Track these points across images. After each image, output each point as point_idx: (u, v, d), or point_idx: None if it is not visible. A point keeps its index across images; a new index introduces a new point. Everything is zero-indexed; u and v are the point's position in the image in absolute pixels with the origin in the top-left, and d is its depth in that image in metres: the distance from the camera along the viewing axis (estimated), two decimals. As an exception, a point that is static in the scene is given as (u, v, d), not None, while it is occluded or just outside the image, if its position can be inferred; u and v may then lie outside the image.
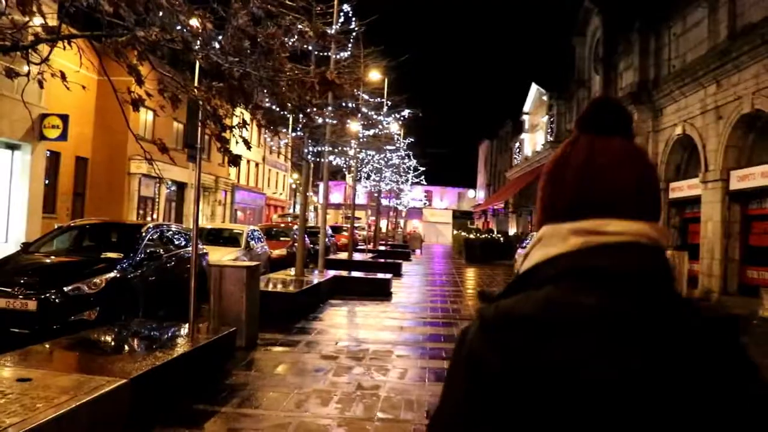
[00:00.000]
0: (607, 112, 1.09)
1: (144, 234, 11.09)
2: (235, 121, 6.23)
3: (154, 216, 34.19)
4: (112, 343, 7.46)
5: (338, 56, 16.23)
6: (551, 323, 0.93)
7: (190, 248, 13.61)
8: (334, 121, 15.44)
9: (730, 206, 16.95)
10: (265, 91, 5.71)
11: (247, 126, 6.02)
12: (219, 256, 15.40)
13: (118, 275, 9.68)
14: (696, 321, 0.97)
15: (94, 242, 11.45)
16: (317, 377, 7.84)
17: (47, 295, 8.72)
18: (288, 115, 6.78)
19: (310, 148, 15.87)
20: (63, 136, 24.31)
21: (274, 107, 6.43)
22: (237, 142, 6.43)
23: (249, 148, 6.44)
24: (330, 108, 14.86)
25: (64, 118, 24.09)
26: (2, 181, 22.33)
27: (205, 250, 14.00)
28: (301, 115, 6.02)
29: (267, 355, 8.96)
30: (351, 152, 22.23)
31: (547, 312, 0.94)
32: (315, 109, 6.05)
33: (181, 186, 37.02)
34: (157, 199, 34.79)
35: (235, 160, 5.82)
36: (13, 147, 22.74)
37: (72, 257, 10.28)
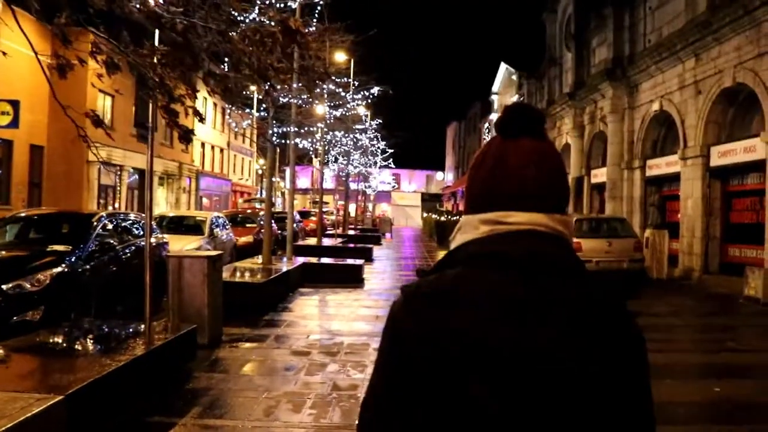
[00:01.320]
0: (519, 117, 1.25)
1: (95, 224, 10.15)
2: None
3: (116, 205, 32.97)
4: (53, 350, 6.60)
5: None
6: (456, 296, 1.12)
7: (151, 238, 12.80)
8: (300, 100, 14.59)
9: (710, 183, 16.51)
10: (219, 51, 4.88)
11: (196, 94, 5.18)
12: (181, 245, 14.51)
13: (65, 270, 8.77)
14: (577, 293, 1.13)
15: (40, 234, 10.49)
16: (288, 377, 7.08)
17: (-17, 294, 7.81)
18: (245, 83, 5.92)
19: (275, 130, 15.01)
20: (14, 123, 23.06)
21: (229, 73, 5.55)
22: (187, 115, 5.58)
23: (202, 120, 5.63)
24: (295, 86, 14.02)
25: (15, 103, 22.85)
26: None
27: (165, 240, 13.10)
28: (263, 83, 5.20)
29: (232, 353, 8.17)
30: (318, 135, 21.40)
31: (454, 287, 1.14)
32: (279, 75, 5.23)
33: (143, 174, 35.68)
34: (118, 188, 33.53)
35: (186, 136, 5.04)
36: (-41, 135, 21.50)
37: (14, 251, 9.31)
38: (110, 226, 10.86)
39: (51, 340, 6.87)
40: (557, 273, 1.14)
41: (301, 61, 9.71)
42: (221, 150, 51.65)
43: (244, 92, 15.13)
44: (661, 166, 19.56)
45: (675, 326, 11.30)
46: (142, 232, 12.45)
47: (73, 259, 9.07)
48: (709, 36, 15.73)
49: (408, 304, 1.16)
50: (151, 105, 7.81)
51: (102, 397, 5.13)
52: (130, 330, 7.68)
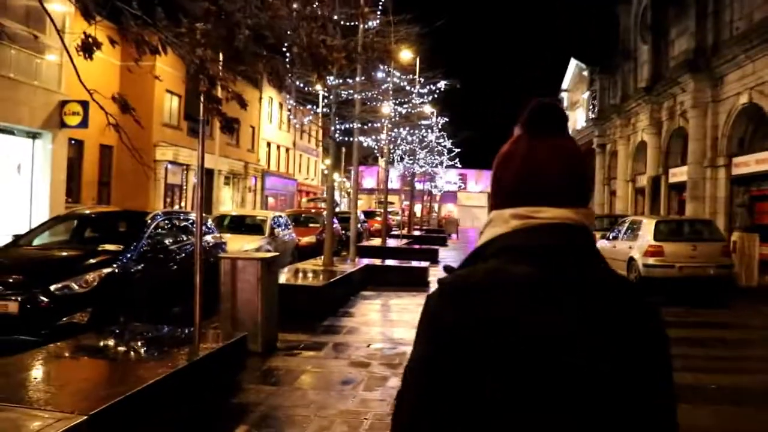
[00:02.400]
0: (546, 116, 1.31)
1: (149, 223, 9.76)
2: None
3: (182, 204, 33.23)
4: (91, 357, 6.14)
5: (366, 26, 14.79)
6: (491, 287, 1.17)
7: (208, 237, 12.43)
8: (363, 95, 13.99)
9: (807, 181, 15.14)
10: (261, 24, 4.28)
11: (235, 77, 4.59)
12: (240, 245, 14.13)
13: (116, 270, 8.38)
14: (603, 283, 1.21)
15: (94, 233, 10.20)
16: (345, 393, 6.45)
17: (30, 295, 7.46)
18: (298, 68, 5.32)
19: (338, 126, 14.46)
20: (84, 123, 23.38)
21: (274, 55, 4.94)
22: (228, 101, 5.00)
23: (244, 106, 5.03)
24: (358, 79, 13.48)
25: (85, 104, 23.15)
26: (24, 170, 21.37)
27: (223, 240, 12.71)
28: (314, 65, 4.58)
29: (286, 362, 7.59)
30: (383, 135, 20.80)
31: (488, 278, 1.19)
32: (333, 53, 4.60)
33: (209, 173, 35.89)
34: (184, 187, 33.76)
35: (229, 125, 4.46)
36: (34, 135, 21.79)
37: (64, 251, 9.00)
38: (166, 226, 10.49)
39: (92, 346, 6.44)
40: (588, 263, 1.22)
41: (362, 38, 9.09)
42: (287, 150, 51.74)
43: (303, 84, 14.58)
44: (749, 163, 18.15)
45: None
46: (205, 231, 12.12)
47: (124, 260, 8.69)
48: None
49: (444, 295, 1.21)
50: (202, 97, 7.33)
51: (133, 416, 4.60)
52: (178, 336, 7.23)
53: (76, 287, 7.77)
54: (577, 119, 41.93)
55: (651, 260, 13.93)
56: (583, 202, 1.28)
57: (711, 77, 19.64)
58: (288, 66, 4.61)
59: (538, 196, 1.25)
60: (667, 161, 24.29)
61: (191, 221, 12.23)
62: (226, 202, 38.79)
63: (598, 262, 1.24)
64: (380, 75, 15.21)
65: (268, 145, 46.93)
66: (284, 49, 4.89)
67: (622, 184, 29.18)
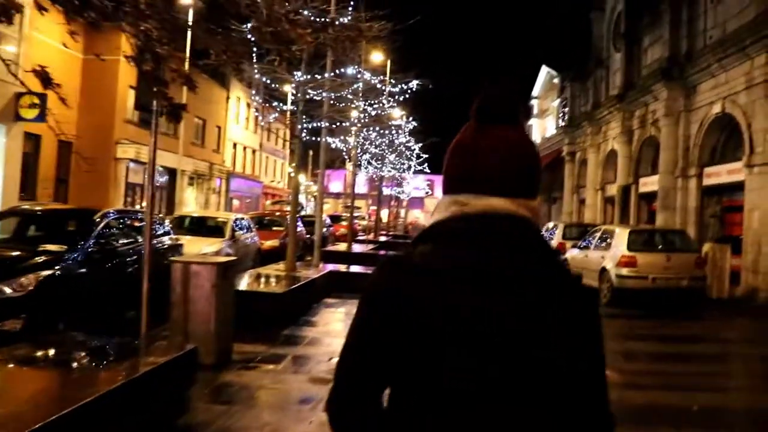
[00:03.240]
0: (493, 104, 1.35)
1: (99, 221, 9.07)
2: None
3: (143, 204, 32.25)
4: (19, 373, 5.47)
5: (337, 22, 14.23)
6: (420, 268, 1.27)
7: (165, 239, 11.74)
8: (331, 94, 13.44)
9: (780, 193, 14.93)
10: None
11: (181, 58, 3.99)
12: (199, 248, 13.47)
13: (57, 273, 7.69)
14: (533, 272, 1.26)
15: (36, 232, 9.47)
16: (302, 413, 5.86)
17: (-44, 300, 6.76)
18: (254, 43, 4.70)
19: (305, 125, 13.86)
20: (41, 117, 22.53)
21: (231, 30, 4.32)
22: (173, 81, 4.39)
23: (192, 89, 4.45)
24: (327, 75, 12.92)
25: (42, 97, 22.20)
26: (-25, 164, 20.44)
27: (179, 241, 12.03)
28: (275, 42, 4.02)
29: (241, 377, 6.97)
30: (351, 139, 20.24)
31: (419, 260, 1.29)
32: (296, 29, 4.04)
33: (173, 173, 34.95)
34: (146, 186, 32.78)
35: (175, 112, 3.87)
36: (-14, 128, 20.89)
37: (1, 251, 8.27)
38: (119, 225, 9.81)
39: (21, 358, 5.75)
40: (513, 249, 1.26)
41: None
42: (253, 151, 50.85)
43: (269, 81, 13.95)
44: (720, 174, 17.96)
45: (754, 358, 9.83)
46: (159, 233, 11.42)
47: (67, 261, 7.99)
48: (785, 29, 14.22)
49: (382, 270, 1.33)
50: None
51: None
52: (122, 348, 6.55)
53: (9, 291, 7.08)
54: (547, 127, 41.86)
55: (624, 271, 13.58)
56: (526, 194, 1.31)
57: (684, 86, 19.45)
58: (247, 44, 4.02)
59: (477, 184, 1.30)
60: (637, 170, 24.11)
61: (156, 222, 11.58)
62: (190, 203, 37.84)
63: (537, 253, 1.29)
64: (350, 71, 14.61)
65: (234, 146, 46.04)
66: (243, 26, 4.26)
67: (592, 192, 28.99)
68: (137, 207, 31.33)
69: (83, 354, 6.25)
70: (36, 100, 22.06)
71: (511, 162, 1.30)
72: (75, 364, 6.01)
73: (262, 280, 11.93)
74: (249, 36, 4.12)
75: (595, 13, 29.23)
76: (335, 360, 5.10)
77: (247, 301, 9.43)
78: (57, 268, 7.74)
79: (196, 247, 13.48)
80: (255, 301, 9.70)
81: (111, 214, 9.70)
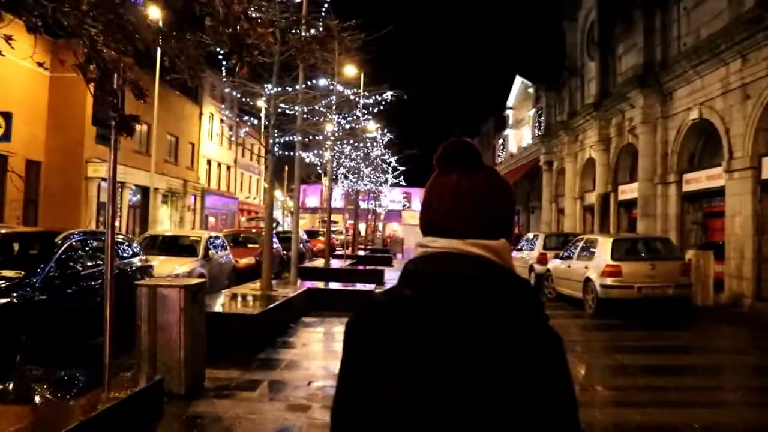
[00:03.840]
0: (449, 154, 1.43)
1: (60, 244, 8.56)
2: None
3: (116, 223, 31.52)
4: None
5: (308, 33, 13.90)
6: (387, 310, 1.34)
7: (135, 260, 11.23)
8: (302, 108, 13.07)
9: (762, 198, 14.75)
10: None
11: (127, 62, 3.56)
12: (171, 268, 12.98)
13: (13, 301, 7.18)
14: (485, 310, 1.27)
15: (-4, 256, 8.92)
16: (279, 447, 5.43)
17: None
18: (211, 46, 4.28)
19: (277, 139, 13.45)
20: (6, 137, 21.84)
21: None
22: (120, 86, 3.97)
23: (142, 98, 4.03)
24: (299, 87, 12.55)
25: (7, 116, 21.65)
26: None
27: (149, 262, 11.52)
28: (233, 45, 3.64)
29: (213, 407, 6.50)
30: (327, 154, 19.87)
31: (386, 302, 1.37)
32: (257, 28, 3.65)
33: (145, 191, 34.28)
34: (119, 205, 32.09)
35: (125, 125, 3.46)
36: (-54, 149, 20.25)
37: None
38: (84, 248, 9.30)
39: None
40: (474, 291, 1.29)
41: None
42: (228, 167, 50.27)
43: (240, 95, 13.56)
44: (700, 180, 17.82)
45: (748, 369, 9.54)
46: (127, 254, 10.94)
47: (25, 288, 7.48)
48: (759, 33, 14.09)
49: (358, 316, 1.38)
50: (91, 87, 6.27)
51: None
52: (85, 381, 6.09)
53: (-41, 323, 6.57)
54: (523, 137, 41.79)
55: (608, 281, 13.30)
56: (485, 234, 1.35)
57: (660, 93, 19.35)
58: (203, 48, 3.64)
59: (435, 226, 1.39)
60: (616, 178, 23.97)
61: (124, 243, 11.08)
62: (164, 221, 37.17)
63: (482, 290, 1.29)
64: (323, 82, 14.26)
65: (209, 162, 45.45)
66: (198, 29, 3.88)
67: (570, 201, 28.82)
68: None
69: (40, 390, 5.79)
70: (1, 121, 21.48)
71: (463, 205, 1.36)
72: (31, 402, 5.55)
73: (237, 300, 11.46)
74: (205, 38, 3.69)
75: (568, 23, 29.19)
76: (314, 385, 4.70)
77: (221, 323, 9.00)
78: (13, 295, 7.23)
79: (168, 267, 12.99)
80: (228, 323, 9.26)
81: (74, 236, 9.19)
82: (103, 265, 9.89)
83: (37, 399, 5.68)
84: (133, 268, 10.58)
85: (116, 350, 7.40)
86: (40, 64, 6.28)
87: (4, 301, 7.00)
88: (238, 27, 3.48)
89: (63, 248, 8.52)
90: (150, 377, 6.34)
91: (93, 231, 10.99)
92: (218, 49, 13.19)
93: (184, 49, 3.51)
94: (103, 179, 29.70)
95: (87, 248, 9.43)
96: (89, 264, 9.15)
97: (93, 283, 8.91)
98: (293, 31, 13.19)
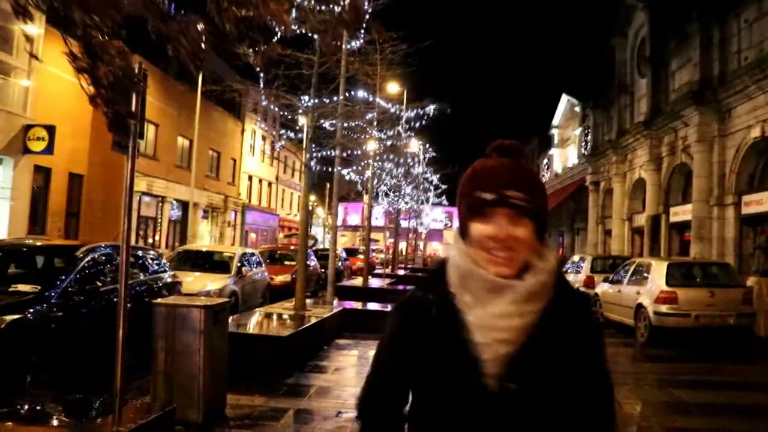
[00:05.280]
0: (507, 145, 1.63)
1: (81, 257, 8.15)
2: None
3: (156, 238, 31.56)
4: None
5: (350, 45, 13.46)
6: (407, 303, 1.65)
7: (163, 276, 10.81)
8: (341, 122, 12.58)
9: (831, 222, 13.75)
10: None
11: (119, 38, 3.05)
12: (202, 285, 12.54)
13: (28, 317, 6.75)
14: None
15: (19, 269, 8.56)
16: (300, 491, 4.83)
17: None
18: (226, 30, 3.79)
19: (315, 153, 12.98)
20: (49, 150, 22.01)
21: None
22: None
23: (136, 85, 3.51)
24: (339, 98, 12.09)
25: (51, 129, 21.77)
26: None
27: (178, 279, 11.08)
28: (238, 25, 3.12)
29: (231, 440, 5.95)
30: (368, 172, 19.40)
31: (409, 296, 1.66)
32: (269, 2, 3.13)
33: (185, 205, 34.28)
34: (159, 219, 32.09)
35: (120, 123, 2.95)
36: (-6, 160, 20.36)
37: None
38: (108, 262, 8.87)
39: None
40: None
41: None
42: (269, 184, 50.24)
43: (279, 110, 13.14)
44: (762, 202, 16.79)
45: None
46: (157, 269, 10.53)
47: (41, 304, 7.05)
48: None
49: (397, 306, 1.70)
50: (134, 96, 5.81)
51: None
52: (96, 408, 5.60)
53: (-33, 340, 6.14)
54: (569, 156, 40.78)
55: (663, 308, 12.41)
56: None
57: (717, 110, 18.40)
58: (203, 30, 3.12)
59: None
60: (667, 199, 22.94)
61: (149, 257, 10.68)
62: (204, 236, 37.12)
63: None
64: (362, 94, 13.78)
65: (250, 178, 45.44)
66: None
67: (618, 223, 27.76)
68: (150, 240, 30.74)
69: (53, 416, 5.31)
70: (44, 134, 21.60)
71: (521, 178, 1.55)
72: (33, 430, 5.06)
73: (267, 320, 10.93)
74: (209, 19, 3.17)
75: (618, 39, 28.29)
76: (344, 416, 4.09)
77: (247, 345, 8.49)
78: (27, 311, 6.80)
79: (198, 284, 12.56)
80: (256, 345, 8.74)
81: (100, 249, 8.78)
82: (135, 279, 9.53)
83: (39, 427, 5.21)
84: (160, 284, 10.14)
85: (138, 372, 6.96)
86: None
87: (16, 317, 6.55)
88: (244, 4, 2.95)
89: (84, 262, 8.09)
90: (164, 405, 5.82)
91: (114, 244, 10.60)
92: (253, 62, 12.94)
93: (185, 31, 3.00)
94: (144, 193, 29.75)
95: (113, 263, 9.02)
96: (110, 279, 8.72)
97: (116, 299, 8.47)
98: (334, 42, 12.78)
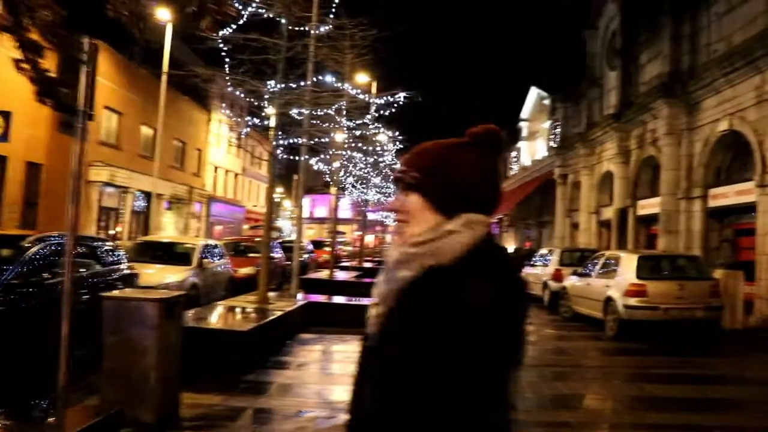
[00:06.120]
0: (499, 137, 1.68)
1: (27, 248, 7.67)
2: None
3: (118, 229, 30.77)
4: None
5: (318, 30, 13.04)
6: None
7: (119, 268, 10.35)
8: (309, 111, 12.22)
9: (798, 215, 13.75)
10: None
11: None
12: (161, 277, 12.08)
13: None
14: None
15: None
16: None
17: None
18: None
19: (281, 141, 12.59)
20: (4, 137, 21.16)
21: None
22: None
23: (65, 53, 3.11)
24: (306, 83, 11.71)
25: (6, 115, 20.97)
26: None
27: (134, 270, 10.62)
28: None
29: (184, 442, 5.58)
30: (336, 164, 19.04)
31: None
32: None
33: (149, 196, 33.51)
34: (122, 210, 31.29)
35: (49, 89, 2.57)
36: (-57, 149, 19.57)
37: None
38: (56, 253, 8.39)
39: None
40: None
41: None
42: (236, 175, 49.49)
43: (244, 95, 12.70)
44: (728, 195, 16.80)
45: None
46: (113, 260, 10.06)
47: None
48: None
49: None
50: (83, 77, 5.40)
51: None
52: (39, 410, 5.20)
53: None
54: (537, 149, 40.80)
55: (633, 301, 12.27)
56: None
57: (687, 103, 18.36)
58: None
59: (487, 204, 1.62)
60: (635, 192, 22.94)
61: (104, 249, 10.19)
62: (168, 228, 36.35)
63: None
64: (331, 79, 13.37)
65: (216, 169, 44.68)
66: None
67: (586, 216, 27.78)
68: (112, 232, 29.94)
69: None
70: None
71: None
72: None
73: (228, 313, 10.53)
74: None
75: (588, 32, 28.25)
76: (305, 415, 3.72)
77: (205, 340, 8.09)
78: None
79: (158, 276, 12.09)
80: (214, 340, 8.32)
81: (50, 239, 8.30)
82: (92, 271, 9.07)
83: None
84: (116, 276, 9.69)
85: (90, 370, 6.54)
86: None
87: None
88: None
89: (31, 253, 7.62)
90: (112, 406, 5.43)
91: (64, 234, 10.11)
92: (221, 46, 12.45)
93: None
94: (106, 183, 28.95)
95: (58, 253, 8.54)
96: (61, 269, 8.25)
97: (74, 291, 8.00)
98: (303, 28, 12.39)
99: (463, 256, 1.46)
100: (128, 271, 10.34)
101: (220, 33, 11.51)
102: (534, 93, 40.35)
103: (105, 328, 5.97)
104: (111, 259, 9.98)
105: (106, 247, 10.21)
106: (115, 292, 6.77)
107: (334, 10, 12.97)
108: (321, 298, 14.02)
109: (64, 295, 5.34)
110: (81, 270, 8.88)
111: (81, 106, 5.63)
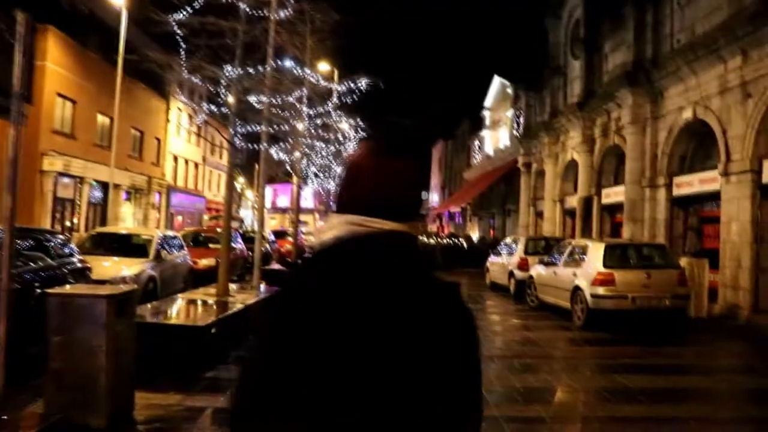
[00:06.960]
0: (400, 140, 1.53)
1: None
2: None
3: (74, 221, 29.89)
4: None
5: (277, 15, 12.63)
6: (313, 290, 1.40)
7: (71, 261, 9.88)
8: (269, 98, 11.80)
9: (761, 203, 13.78)
10: None
11: None
12: (116, 270, 11.59)
13: None
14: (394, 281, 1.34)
15: None
16: None
17: None
18: None
19: (239, 128, 12.16)
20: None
21: None
22: None
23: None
24: (266, 68, 11.31)
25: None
26: None
27: (87, 264, 10.14)
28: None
29: (138, 447, 5.21)
30: (297, 153, 18.63)
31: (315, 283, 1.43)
32: None
33: (106, 186, 32.60)
34: (77, 201, 30.38)
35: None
36: None
37: None
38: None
39: None
40: (387, 264, 1.38)
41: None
42: (196, 165, 48.61)
43: (202, 82, 12.25)
44: (692, 183, 16.85)
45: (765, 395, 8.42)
46: (64, 253, 9.58)
47: None
48: (765, 27, 13.10)
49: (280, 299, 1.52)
50: (17, 58, 4.99)
51: None
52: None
53: None
54: (500, 138, 40.79)
55: (600, 290, 12.17)
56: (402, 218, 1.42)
57: (651, 91, 18.36)
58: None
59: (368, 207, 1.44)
60: (599, 181, 22.98)
61: (55, 241, 9.70)
62: (127, 219, 35.51)
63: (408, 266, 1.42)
64: (290, 64, 12.98)
65: (175, 159, 43.80)
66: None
67: (550, 204, 27.80)
68: (68, 223, 29.07)
69: None
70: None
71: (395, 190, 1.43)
72: None
73: (187, 307, 10.11)
74: None
75: (551, 20, 28.17)
76: None
77: (162, 336, 7.69)
78: None
79: (113, 269, 11.62)
80: (171, 336, 7.92)
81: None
82: (35, 266, 8.59)
83: None
84: (66, 270, 9.21)
85: (40, 372, 6.11)
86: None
87: None
88: None
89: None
90: (58, 410, 5.04)
91: (20, 228, 9.61)
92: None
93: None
94: (60, 173, 28.06)
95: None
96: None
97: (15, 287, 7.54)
98: (262, 12, 11.98)
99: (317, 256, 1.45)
100: (80, 265, 9.87)
101: (175, 16, 11.11)
102: (497, 81, 40.29)
103: (49, 327, 5.55)
104: (62, 252, 9.51)
105: (57, 240, 9.73)
106: (60, 289, 6.34)
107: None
108: (284, 290, 13.65)
109: (2, 291, 4.93)
110: (30, 264, 8.43)
111: (17, 87, 5.24)
